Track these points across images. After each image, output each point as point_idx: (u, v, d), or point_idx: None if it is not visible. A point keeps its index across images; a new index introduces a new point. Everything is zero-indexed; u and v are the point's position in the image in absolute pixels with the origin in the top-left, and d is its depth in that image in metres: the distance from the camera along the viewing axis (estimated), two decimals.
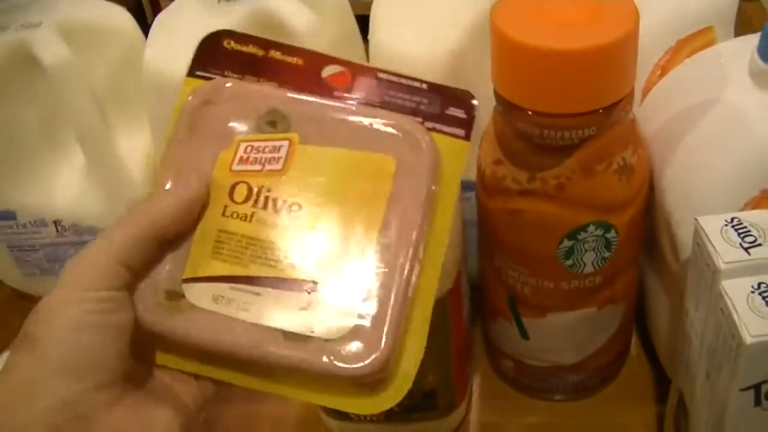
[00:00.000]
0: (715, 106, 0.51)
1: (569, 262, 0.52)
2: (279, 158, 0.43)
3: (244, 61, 0.45)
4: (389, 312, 0.40)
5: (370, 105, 0.44)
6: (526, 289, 0.55)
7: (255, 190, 0.42)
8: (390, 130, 0.43)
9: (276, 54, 0.45)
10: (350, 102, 0.44)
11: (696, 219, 0.45)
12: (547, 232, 0.51)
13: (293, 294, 0.41)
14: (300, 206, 0.42)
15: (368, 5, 0.64)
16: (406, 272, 0.41)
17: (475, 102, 0.45)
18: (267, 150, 0.43)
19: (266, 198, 0.42)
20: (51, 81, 0.63)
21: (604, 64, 0.46)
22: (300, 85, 0.45)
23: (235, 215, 0.42)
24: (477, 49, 0.56)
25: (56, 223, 0.69)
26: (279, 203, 0.42)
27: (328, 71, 0.45)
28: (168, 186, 0.43)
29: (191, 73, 0.46)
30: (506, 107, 0.50)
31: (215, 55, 0.46)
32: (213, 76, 0.45)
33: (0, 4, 0.65)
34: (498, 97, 0.51)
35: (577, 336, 0.57)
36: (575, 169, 0.49)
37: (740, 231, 0.43)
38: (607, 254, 0.52)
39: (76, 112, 0.65)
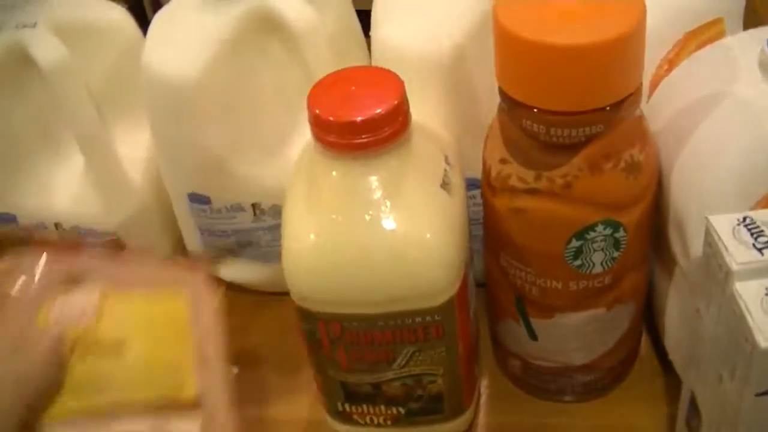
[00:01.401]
0: (725, 100, 0.50)
1: (578, 262, 0.51)
2: (88, 310, 0.51)
3: None
4: None
5: None
6: (533, 289, 0.54)
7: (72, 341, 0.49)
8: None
9: None
10: None
11: (707, 218, 0.44)
12: (554, 231, 0.50)
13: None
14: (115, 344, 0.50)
15: (370, 0, 0.63)
16: None
17: None
18: (76, 306, 0.51)
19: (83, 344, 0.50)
20: (47, 81, 0.62)
21: (612, 60, 0.45)
22: None
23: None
24: (481, 45, 0.54)
25: (57, 225, 0.68)
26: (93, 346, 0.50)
27: None
28: None
29: None
30: (511, 105, 0.49)
31: None
32: None
33: None
34: (502, 94, 0.49)
35: (586, 337, 0.56)
36: (582, 168, 0.48)
37: (753, 231, 0.42)
38: (616, 254, 0.51)
39: (73, 112, 0.64)
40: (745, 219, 0.43)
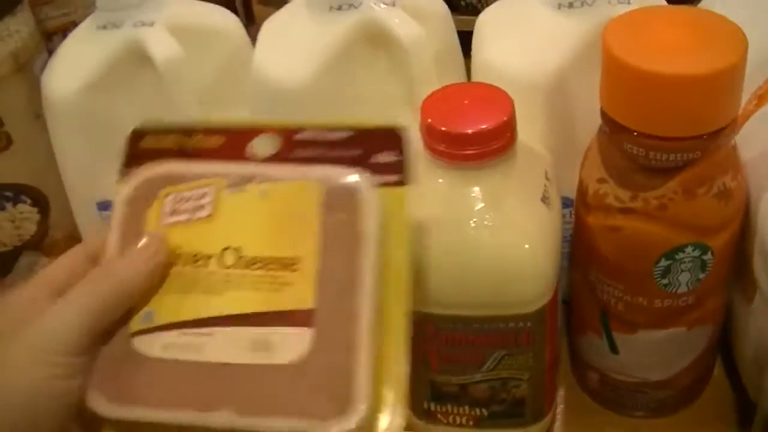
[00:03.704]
0: None
1: (665, 281, 0.53)
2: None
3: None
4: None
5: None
6: (619, 304, 0.56)
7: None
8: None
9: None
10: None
11: None
12: (645, 250, 0.53)
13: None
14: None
15: (469, 22, 0.65)
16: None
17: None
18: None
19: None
20: (162, 79, 0.64)
21: (713, 91, 0.47)
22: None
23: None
24: (582, 68, 0.57)
25: None
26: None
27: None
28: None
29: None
30: (613, 127, 0.51)
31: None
32: None
33: (114, 3, 0.67)
34: (605, 116, 0.52)
35: (665, 354, 0.59)
36: (677, 191, 0.50)
37: None
38: (701, 275, 0.54)
39: (182, 112, 0.66)
40: None
